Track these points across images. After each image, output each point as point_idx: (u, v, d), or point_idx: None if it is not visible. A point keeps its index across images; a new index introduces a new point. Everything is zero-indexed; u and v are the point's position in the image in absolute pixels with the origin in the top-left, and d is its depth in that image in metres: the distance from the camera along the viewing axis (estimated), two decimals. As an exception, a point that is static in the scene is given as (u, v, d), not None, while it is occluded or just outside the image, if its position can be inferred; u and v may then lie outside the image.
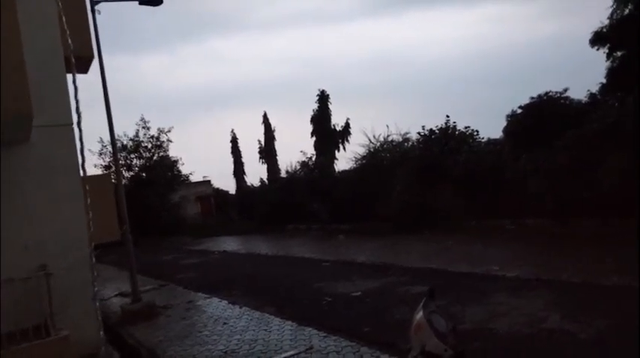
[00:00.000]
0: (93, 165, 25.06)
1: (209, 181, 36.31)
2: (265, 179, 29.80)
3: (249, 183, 33.18)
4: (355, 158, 22.46)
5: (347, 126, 23.53)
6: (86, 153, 4.99)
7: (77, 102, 4.71)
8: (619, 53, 13.41)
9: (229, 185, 36.83)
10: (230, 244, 21.32)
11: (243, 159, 35.10)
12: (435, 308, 2.53)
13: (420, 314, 2.47)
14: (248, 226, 25.64)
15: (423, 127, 19.00)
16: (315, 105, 24.19)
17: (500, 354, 5.06)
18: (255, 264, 14.21)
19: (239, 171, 34.93)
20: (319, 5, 50.58)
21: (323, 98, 24.31)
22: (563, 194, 12.71)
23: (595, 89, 14.21)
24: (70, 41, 4.87)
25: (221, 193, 35.76)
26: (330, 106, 24.04)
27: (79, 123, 4.73)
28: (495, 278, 8.33)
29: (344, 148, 24.08)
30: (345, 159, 24.25)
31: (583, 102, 14.44)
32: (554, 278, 7.61)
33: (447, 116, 18.53)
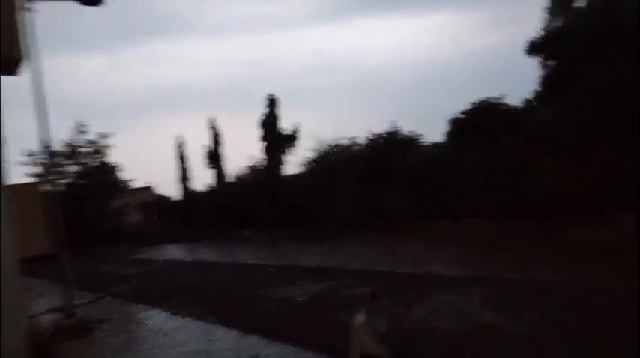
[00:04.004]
0: (23, 173, 23.40)
1: (152, 187, 35.04)
2: (212, 184, 29.17)
3: (195, 189, 32.35)
4: (304, 162, 22.51)
5: (296, 130, 23.47)
6: (16, 160, 4.60)
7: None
8: (552, 62, 14.13)
9: (174, 191, 35.74)
10: (173, 252, 20.63)
11: (190, 165, 34.17)
12: (376, 311, 2.53)
13: (360, 317, 2.45)
14: (193, 232, 24.92)
15: (371, 131, 19.31)
16: (264, 110, 23.97)
17: (441, 351, 5.15)
18: (199, 272, 13.79)
19: (184, 176, 33.94)
20: (268, 11, 50.33)
21: (272, 102, 24.13)
22: (500, 194, 13.32)
23: (530, 96, 15.02)
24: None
25: (165, 199, 34.61)
26: (279, 111, 23.92)
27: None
28: (437, 277, 8.54)
29: (293, 152, 24.04)
30: (294, 163, 24.20)
31: (519, 108, 15.25)
32: (490, 276, 7.91)
33: (394, 120, 18.97)
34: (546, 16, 13.81)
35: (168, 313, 8.69)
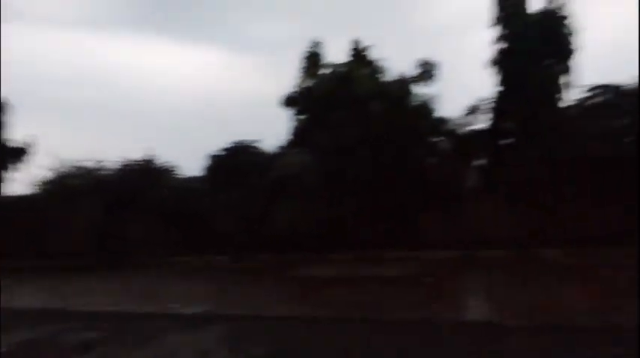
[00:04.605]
0: None
1: None
2: None
3: None
4: (38, 182, 19.07)
5: (29, 143, 19.85)
6: None
7: None
8: (301, 116, 15.97)
9: None
10: None
11: None
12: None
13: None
14: None
15: (123, 156, 17.84)
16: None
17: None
18: None
19: None
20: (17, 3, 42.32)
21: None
22: (248, 232, 13.99)
23: (282, 143, 16.51)
24: None
25: None
26: (9, 118, 19.97)
27: None
28: (174, 316, 8.16)
29: (23, 169, 20.16)
30: (24, 183, 20.27)
31: (272, 153, 16.55)
32: (228, 313, 8.00)
33: (149, 148, 18.00)
34: (300, 74, 15.72)
35: None
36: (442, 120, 14.37)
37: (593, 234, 12.04)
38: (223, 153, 16.26)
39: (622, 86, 13.22)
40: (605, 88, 13.46)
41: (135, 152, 17.92)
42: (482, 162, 14.58)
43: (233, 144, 16.55)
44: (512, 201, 13.25)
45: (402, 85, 14.19)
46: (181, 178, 17.77)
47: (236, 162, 15.46)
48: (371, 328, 6.87)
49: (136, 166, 17.56)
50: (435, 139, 14.48)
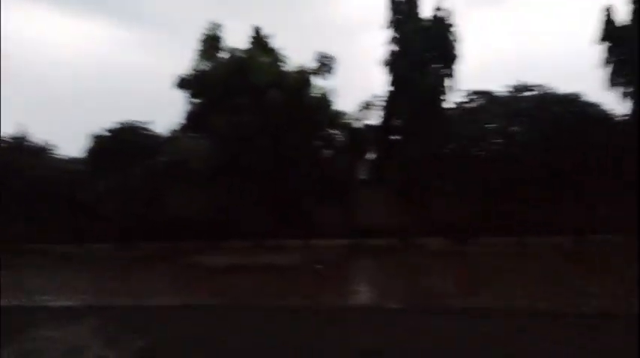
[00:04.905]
0: None
1: None
2: None
3: None
4: None
5: None
6: None
7: None
8: (196, 99, 15.34)
9: None
10: None
11: None
12: None
13: None
14: None
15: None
16: None
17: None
18: None
19: None
20: None
21: None
22: (134, 218, 13.20)
23: (175, 126, 15.76)
24: None
25: None
26: None
27: None
28: (45, 309, 7.48)
29: None
30: None
31: (163, 136, 15.74)
32: (106, 304, 7.53)
33: (22, 124, 16.12)
34: (197, 56, 15.07)
35: None
36: (338, 114, 14.82)
37: (466, 225, 13.37)
38: (108, 134, 15.10)
39: (494, 93, 14.78)
40: (481, 94, 14.92)
41: (6, 128, 15.93)
42: (373, 156, 15.36)
43: (120, 125, 15.46)
44: (399, 193, 14.16)
45: (302, 76, 14.33)
46: (60, 159, 16.20)
47: (122, 145, 14.46)
48: (261, 315, 6.92)
49: (4, 144, 15.61)
50: (331, 132, 14.91)
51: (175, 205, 12.49)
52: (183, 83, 14.99)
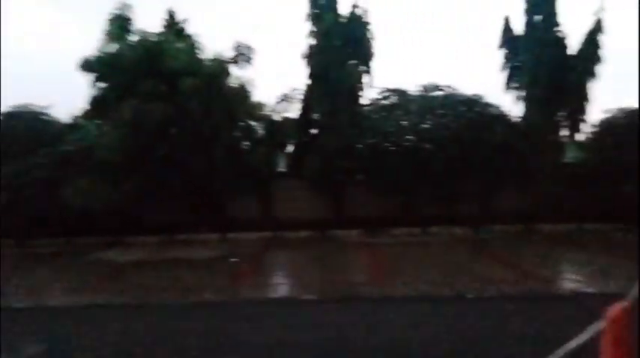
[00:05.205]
0: None
1: None
2: None
3: None
4: None
5: None
6: None
7: None
8: (102, 84, 14.21)
9: None
10: None
11: None
12: None
13: None
14: None
15: None
16: None
17: None
18: None
19: None
20: None
21: None
22: (30, 212, 12.06)
23: (78, 112, 14.55)
24: None
25: None
26: None
27: None
28: None
29: None
30: None
31: (64, 122, 14.48)
32: (1, 306, 6.81)
33: None
34: (105, 37, 13.99)
35: None
36: (257, 105, 14.62)
37: (379, 217, 13.94)
38: (1, 118, 13.59)
39: (408, 91, 15.53)
40: (395, 92, 15.57)
41: None
42: (291, 148, 15.40)
43: (13, 109, 13.98)
44: (316, 186, 14.37)
45: (219, 64, 13.89)
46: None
47: (16, 131, 13.09)
48: (172, 312, 6.68)
49: None
50: (249, 123, 14.67)
51: (78, 198, 11.56)
52: (88, 66, 13.83)
